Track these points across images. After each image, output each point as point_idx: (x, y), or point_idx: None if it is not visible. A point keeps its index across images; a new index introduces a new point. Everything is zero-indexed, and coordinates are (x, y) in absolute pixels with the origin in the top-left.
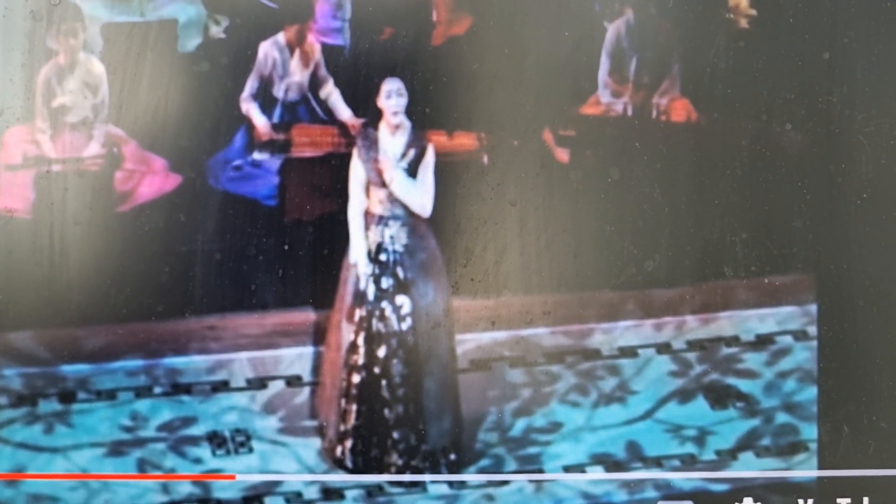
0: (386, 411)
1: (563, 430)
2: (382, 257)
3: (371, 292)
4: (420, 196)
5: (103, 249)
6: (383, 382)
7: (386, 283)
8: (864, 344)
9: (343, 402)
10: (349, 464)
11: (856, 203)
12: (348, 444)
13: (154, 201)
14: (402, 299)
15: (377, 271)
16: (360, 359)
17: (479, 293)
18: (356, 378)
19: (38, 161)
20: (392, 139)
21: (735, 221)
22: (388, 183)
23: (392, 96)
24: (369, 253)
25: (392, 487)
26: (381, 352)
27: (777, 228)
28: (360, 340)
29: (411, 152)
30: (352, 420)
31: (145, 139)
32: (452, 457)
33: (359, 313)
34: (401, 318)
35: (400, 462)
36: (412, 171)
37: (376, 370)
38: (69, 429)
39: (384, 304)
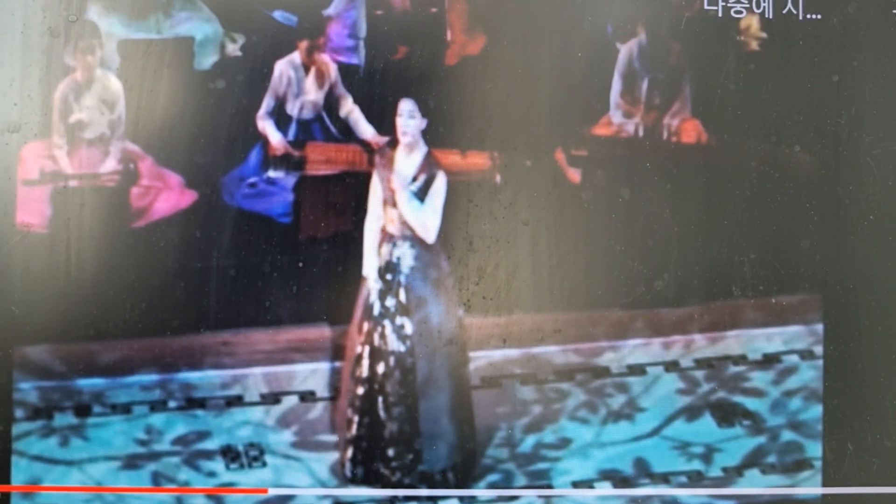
0: (382, 427)
1: (572, 447)
2: (388, 276)
3: (376, 309)
4: (425, 220)
5: (119, 265)
6: (380, 399)
7: (390, 302)
8: (869, 363)
9: (349, 411)
10: (348, 473)
11: (862, 224)
12: (349, 453)
13: (169, 217)
14: (402, 320)
15: (383, 289)
16: (363, 372)
17: (491, 311)
18: (360, 390)
19: (54, 176)
20: (406, 159)
21: (743, 241)
22: (397, 203)
23: (403, 116)
24: (379, 270)
25: (405, 502)
26: (380, 368)
27: (785, 249)
28: (365, 353)
29: (422, 176)
30: (353, 430)
31: (161, 155)
32: (451, 475)
33: (366, 326)
34: (400, 339)
35: (394, 478)
36: (422, 194)
37: (375, 386)
38: (84, 442)
39: (386, 322)
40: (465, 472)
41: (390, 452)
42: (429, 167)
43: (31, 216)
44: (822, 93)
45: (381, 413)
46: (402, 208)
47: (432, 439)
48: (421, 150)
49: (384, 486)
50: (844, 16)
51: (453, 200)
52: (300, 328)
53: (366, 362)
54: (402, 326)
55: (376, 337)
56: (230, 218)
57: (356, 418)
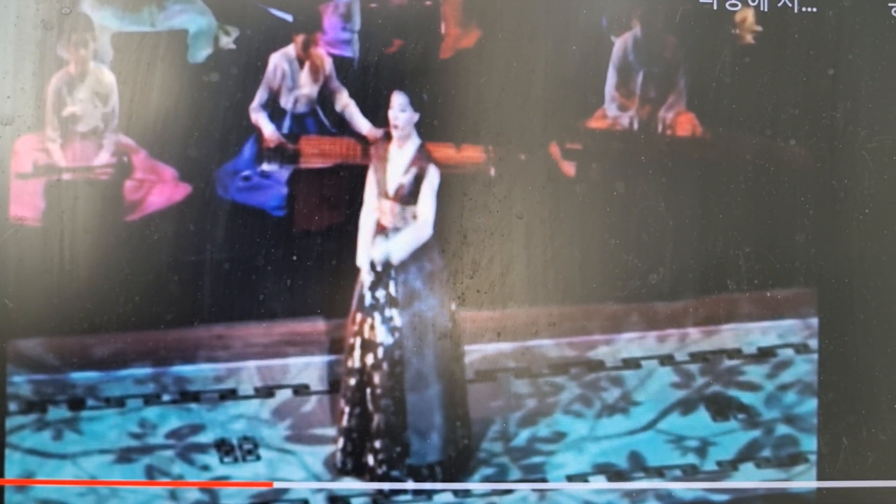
0: (370, 419)
1: (566, 440)
2: (379, 268)
3: (367, 300)
4: (422, 212)
5: (113, 258)
6: (368, 391)
7: (380, 293)
8: (864, 357)
9: (342, 402)
10: (338, 463)
11: (858, 218)
12: (339, 443)
13: (163, 210)
14: (391, 312)
15: (374, 281)
16: (354, 363)
17: (485, 305)
18: (351, 381)
19: (48, 170)
20: (399, 153)
21: (738, 235)
22: (388, 257)
23: (394, 109)
24: (371, 262)
25: (398, 496)
26: (369, 359)
27: (780, 242)
28: (357, 345)
29: (414, 169)
30: (344, 421)
31: (155, 148)
32: (439, 470)
33: (358, 317)
34: (389, 331)
35: (381, 471)
36: (414, 187)
37: (364, 377)
38: (78, 435)
39: (375, 314)
40: (457, 467)
41: (377, 444)
42: (421, 160)
43: (24, 209)
44: (818, 86)
45: (369, 405)
46: (393, 256)
47: (421, 433)
48: (413, 143)
49: (372, 479)
50: (840, 9)
51: (448, 194)
52: (294, 322)
53: (357, 353)
54: (391, 318)
55: (366, 329)
56: (224, 211)
57: (347, 409)
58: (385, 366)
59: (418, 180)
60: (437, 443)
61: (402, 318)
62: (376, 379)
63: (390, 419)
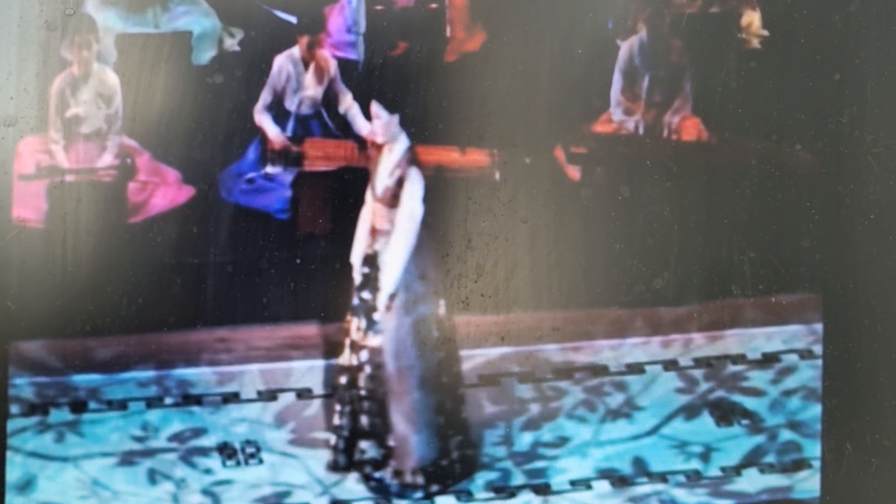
0: (356, 419)
1: (570, 445)
2: (366, 270)
3: (354, 300)
4: (408, 217)
5: (115, 260)
6: (353, 391)
7: (366, 295)
8: (869, 363)
9: (334, 399)
10: (330, 460)
11: (863, 224)
12: (331, 441)
13: (167, 213)
14: (376, 314)
15: (361, 282)
16: (344, 361)
17: (490, 309)
18: (342, 380)
19: (51, 171)
20: (388, 156)
21: (743, 240)
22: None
23: (374, 120)
24: (360, 262)
25: (399, 500)
26: (354, 361)
27: (785, 248)
28: (346, 345)
29: (398, 171)
30: (335, 420)
31: (159, 150)
32: (421, 477)
33: (348, 317)
34: (373, 333)
35: (366, 472)
36: (399, 189)
37: (351, 378)
38: (80, 438)
39: (361, 315)
40: (452, 472)
41: (363, 445)
42: (406, 163)
43: (27, 211)
44: (824, 91)
45: (355, 405)
46: (386, 279)
47: (404, 436)
48: (402, 145)
49: (364, 478)
50: (846, 13)
51: (452, 198)
52: (297, 325)
53: (346, 353)
54: (375, 321)
55: (353, 329)
56: (227, 214)
57: (337, 408)
58: (368, 368)
59: (401, 183)
60: (426, 446)
61: (385, 321)
62: (361, 381)
63: (374, 421)
